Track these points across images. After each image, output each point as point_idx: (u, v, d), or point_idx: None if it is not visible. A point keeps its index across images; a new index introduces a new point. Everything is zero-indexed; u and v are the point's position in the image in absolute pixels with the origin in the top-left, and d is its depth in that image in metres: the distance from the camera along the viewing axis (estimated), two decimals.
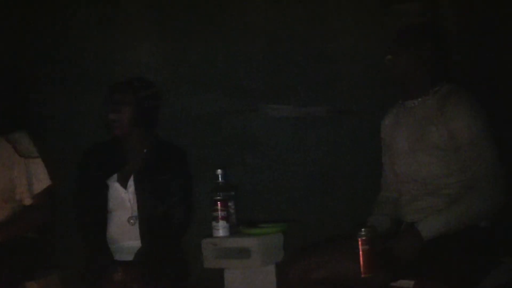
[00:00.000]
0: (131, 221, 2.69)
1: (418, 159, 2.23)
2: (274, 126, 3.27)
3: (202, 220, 2.66)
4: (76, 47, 3.37)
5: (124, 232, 2.70)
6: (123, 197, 2.73)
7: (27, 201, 2.62)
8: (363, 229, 2.02)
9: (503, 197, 2.09)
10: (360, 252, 2.01)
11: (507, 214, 2.19)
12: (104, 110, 2.74)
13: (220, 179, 2.50)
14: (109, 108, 2.72)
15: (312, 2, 3.30)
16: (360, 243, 2.00)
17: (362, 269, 2.01)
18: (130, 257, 2.61)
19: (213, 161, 3.08)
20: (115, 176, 2.74)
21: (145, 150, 2.76)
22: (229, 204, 2.52)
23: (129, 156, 2.76)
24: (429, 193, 2.21)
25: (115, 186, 2.74)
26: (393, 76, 2.31)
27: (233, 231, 2.53)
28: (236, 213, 2.58)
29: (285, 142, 3.26)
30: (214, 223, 2.50)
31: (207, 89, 3.31)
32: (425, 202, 2.21)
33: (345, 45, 3.25)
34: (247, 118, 3.28)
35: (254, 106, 3.25)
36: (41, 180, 2.63)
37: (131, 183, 2.72)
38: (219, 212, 2.48)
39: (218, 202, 2.48)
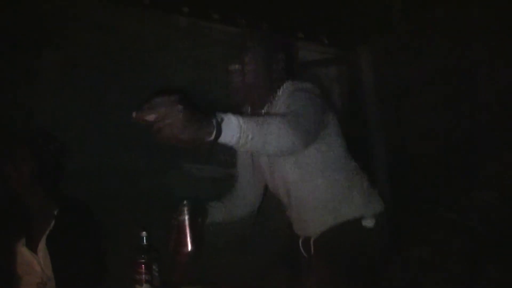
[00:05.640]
0: (41, 286, 2.55)
1: (273, 166, 2.25)
2: (194, 186, 3.27)
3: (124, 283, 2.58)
4: None
5: None
6: (32, 262, 2.56)
7: None
8: (185, 202, 2.08)
9: (301, 142, 1.87)
10: (189, 222, 2.06)
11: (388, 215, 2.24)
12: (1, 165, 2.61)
13: (144, 241, 2.45)
14: (6, 163, 2.59)
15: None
16: (188, 213, 2.06)
17: (191, 240, 2.05)
18: None
19: (133, 220, 3.01)
20: (23, 240, 2.57)
21: (55, 212, 2.62)
22: (153, 267, 2.46)
23: (35, 217, 2.60)
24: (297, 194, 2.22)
25: (23, 251, 2.57)
26: (238, 87, 2.21)
27: None
28: (160, 276, 2.53)
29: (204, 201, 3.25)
30: (137, 287, 2.42)
31: (126, 146, 3.26)
32: (306, 215, 2.23)
33: None
34: (167, 177, 3.26)
35: (176, 165, 3.24)
36: None
37: (41, 246, 2.56)
38: (143, 276, 2.40)
39: (142, 265, 2.41)
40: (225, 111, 1.67)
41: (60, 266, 2.54)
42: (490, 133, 3.26)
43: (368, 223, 2.15)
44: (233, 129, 1.65)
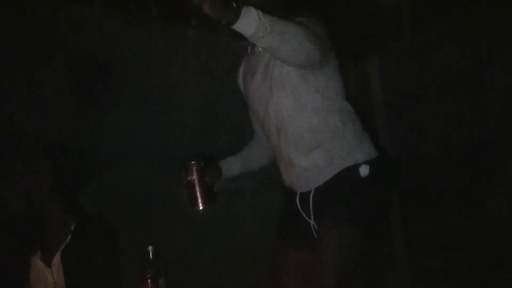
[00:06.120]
0: None
1: (267, 98, 2.15)
2: None
3: None
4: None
5: None
6: (46, 275, 2.58)
7: None
8: (192, 162, 2.13)
9: (319, 51, 1.92)
10: (198, 181, 2.11)
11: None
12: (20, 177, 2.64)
13: (151, 256, 2.46)
14: (25, 175, 2.62)
15: None
16: (196, 173, 2.11)
17: (201, 199, 2.11)
18: None
19: (142, 232, 3.03)
20: (38, 253, 2.61)
21: (72, 226, 2.66)
22: (160, 282, 2.48)
23: (52, 230, 2.63)
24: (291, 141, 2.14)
25: (38, 264, 2.59)
26: None
27: None
28: None
29: (216, 213, 3.25)
30: None
31: (137, 158, 3.27)
32: (295, 157, 2.14)
33: None
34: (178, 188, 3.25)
35: None
36: None
37: (56, 260, 2.57)
38: None
39: (148, 280, 2.43)
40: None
41: (74, 281, 2.55)
42: (500, 141, 3.23)
43: (363, 171, 2.07)
44: (251, 18, 1.73)
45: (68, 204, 2.66)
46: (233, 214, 3.34)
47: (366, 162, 2.07)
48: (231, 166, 2.41)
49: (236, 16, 1.71)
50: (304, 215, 2.20)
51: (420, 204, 3.45)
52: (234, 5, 1.70)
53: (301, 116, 2.09)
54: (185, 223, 3.21)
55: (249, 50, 2.32)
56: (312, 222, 2.17)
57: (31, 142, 2.94)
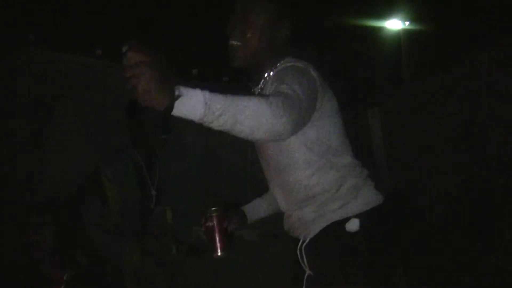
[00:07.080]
0: None
1: (262, 151, 2.06)
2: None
3: None
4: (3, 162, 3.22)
5: None
6: None
7: None
8: (213, 208, 2.10)
9: (287, 124, 1.68)
10: (217, 228, 2.09)
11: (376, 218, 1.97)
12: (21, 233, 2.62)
13: None
14: (26, 231, 2.59)
15: None
16: (216, 220, 2.09)
17: (220, 246, 2.09)
18: None
19: None
20: None
21: (65, 276, 2.61)
22: None
23: (46, 283, 2.61)
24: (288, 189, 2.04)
25: None
26: (242, 61, 2.01)
27: None
28: None
29: (217, 264, 3.24)
30: None
31: None
32: (290, 208, 2.07)
33: None
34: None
35: (187, 228, 3.23)
36: None
37: None
38: None
39: None
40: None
41: None
42: (501, 194, 3.23)
43: (351, 226, 1.93)
44: (195, 103, 1.52)
45: (65, 258, 2.64)
46: (234, 265, 3.30)
47: (358, 215, 1.94)
48: (258, 208, 2.33)
49: (171, 101, 1.51)
50: (302, 263, 2.10)
51: (420, 257, 3.42)
52: (177, 92, 1.50)
53: (293, 171, 1.99)
54: (187, 275, 3.19)
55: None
56: (307, 272, 2.07)
57: (31, 196, 2.94)
